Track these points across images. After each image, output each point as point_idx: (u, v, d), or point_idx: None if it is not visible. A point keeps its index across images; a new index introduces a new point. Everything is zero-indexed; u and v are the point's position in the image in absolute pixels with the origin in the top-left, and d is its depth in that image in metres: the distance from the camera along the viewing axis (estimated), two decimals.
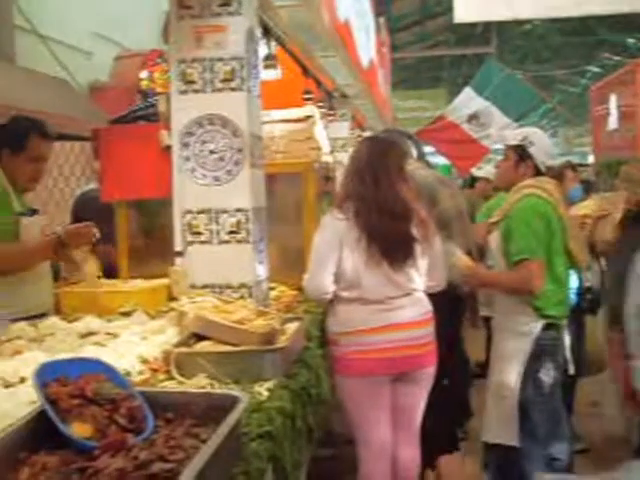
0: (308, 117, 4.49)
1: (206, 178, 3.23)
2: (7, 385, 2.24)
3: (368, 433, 3.49)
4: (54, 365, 1.92)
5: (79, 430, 1.73)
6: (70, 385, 1.84)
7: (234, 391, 2.00)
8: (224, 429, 1.68)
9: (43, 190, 6.93)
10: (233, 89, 3.22)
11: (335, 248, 3.29)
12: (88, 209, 5.30)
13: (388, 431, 3.52)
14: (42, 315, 3.45)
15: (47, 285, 3.77)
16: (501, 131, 9.92)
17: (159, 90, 7.81)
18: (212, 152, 3.22)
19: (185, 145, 3.24)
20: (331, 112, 6.78)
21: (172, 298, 3.37)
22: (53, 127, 4.09)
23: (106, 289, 3.51)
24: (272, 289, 3.59)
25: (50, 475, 1.62)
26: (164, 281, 3.50)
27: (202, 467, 1.48)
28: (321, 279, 3.31)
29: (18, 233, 3.55)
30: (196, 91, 3.24)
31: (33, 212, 3.82)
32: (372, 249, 3.28)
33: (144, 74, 7.96)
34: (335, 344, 3.42)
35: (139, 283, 3.58)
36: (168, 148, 3.36)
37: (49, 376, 1.84)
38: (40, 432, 1.74)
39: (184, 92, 3.25)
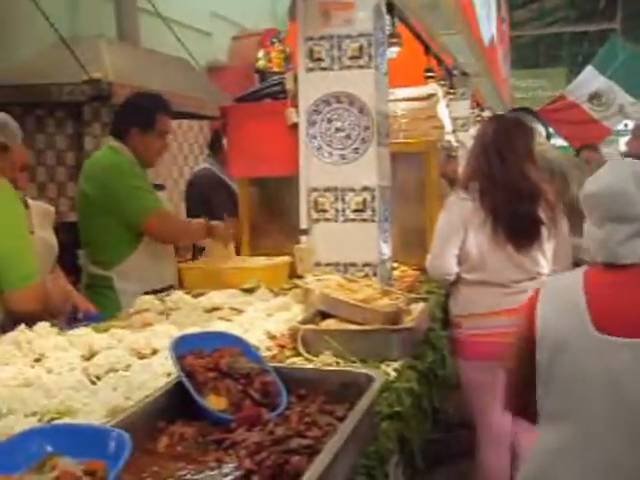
0: (431, 95, 4.42)
1: (332, 156, 3.22)
2: (141, 357, 2.29)
3: (488, 418, 3.43)
4: (189, 338, 1.95)
5: (214, 403, 1.75)
6: (205, 358, 1.86)
7: (369, 369, 1.98)
8: (361, 407, 1.66)
9: (162, 168, 7.09)
10: (361, 66, 3.19)
11: (459, 229, 3.23)
12: (202, 187, 5.42)
13: (509, 418, 3.45)
14: (167, 289, 3.53)
15: (172, 261, 3.87)
16: (624, 111, 9.58)
17: (275, 69, 7.90)
18: (339, 130, 3.20)
19: (312, 123, 3.23)
20: (451, 91, 6.67)
21: (294, 275, 3.39)
22: (175, 106, 4.17)
23: (229, 266, 3.56)
24: (394, 269, 3.55)
25: (187, 445, 1.65)
26: (286, 258, 3.52)
27: (342, 445, 1.47)
28: (445, 260, 3.27)
29: (158, 204, 3.69)
30: (323, 69, 3.23)
31: (157, 187, 3.93)
32: (498, 231, 3.21)
33: (261, 54, 8.07)
34: (457, 326, 3.37)
35: (261, 260, 3.61)
36: (295, 126, 3.36)
37: (185, 349, 1.86)
38: (176, 403, 1.77)
39: (311, 70, 3.24)
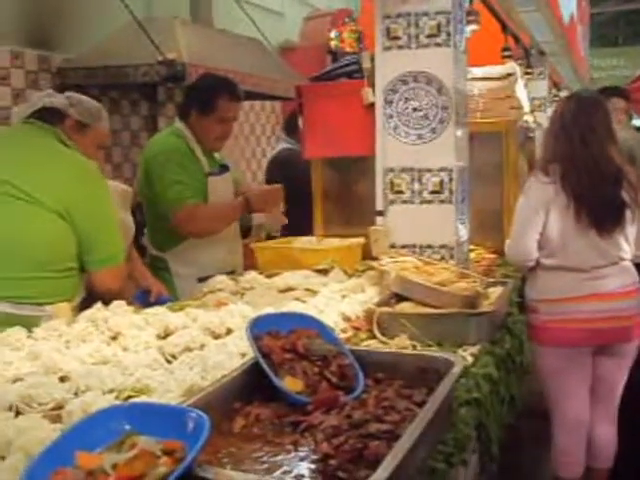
0: (509, 75, 4.31)
1: (409, 136, 3.15)
2: (215, 336, 2.28)
3: (564, 406, 3.35)
4: (266, 318, 1.93)
5: (290, 384, 1.73)
6: (282, 339, 1.84)
7: (447, 354, 1.93)
8: (441, 393, 1.62)
9: (235, 149, 7.12)
10: (439, 45, 3.11)
11: (540, 212, 3.14)
12: (283, 168, 5.41)
13: (585, 406, 3.37)
14: (230, 273, 3.54)
15: (237, 244, 3.88)
16: None
17: (348, 49, 7.84)
18: (416, 110, 3.13)
19: (388, 102, 3.17)
20: (529, 70, 6.51)
21: (368, 257, 3.35)
22: (248, 87, 4.18)
23: (303, 246, 3.54)
24: (470, 251, 3.48)
25: (263, 426, 1.63)
26: (360, 240, 3.48)
27: (421, 431, 1.43)
28: (525, 244, 3.19)
29: (206, 192, 3.65)
30: (400, 47, 3.15)
31: (223, 168, 3.88)
32: (581, 215, 3.11)
33: (333, 34, 8.03)
34: (534, 312, 3.29)
35: (335, 241, 3.58)
36: (371, 105, 3.31)
37: (261, 329, 1.84)
38: (252, 384, 1.75)
39: (388, 48, 3.17)
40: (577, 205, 3.11)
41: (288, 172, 5.16)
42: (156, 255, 3.71)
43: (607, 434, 3.43)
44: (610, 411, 3.42)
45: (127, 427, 1.32)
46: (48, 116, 2.83)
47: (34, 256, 2.69)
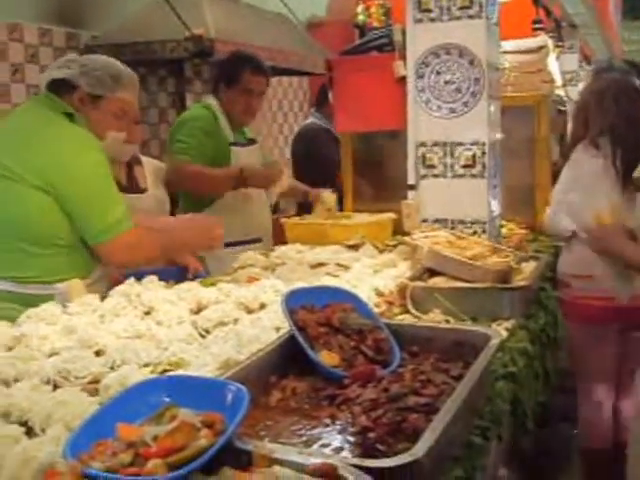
0: (541, 48, 4.25)
1: (441, 110, 3.12)
2: (249, 311, 2.28)
3: (590, 381, 3.35)
4: (301, 292, 1.92)
5: (326, 358, 1.72)
6: (317, 313, 1.83)
7: (484, 328, 1.92)
8: (479, 366, 1.60)
9: (262, 124, 7.10)
10: (471, 17, 3.06)
11: (584, 185, 3.13)
12: (307, 143, 5.40)
13: (612, 382, 3.36)
14: (254, 241, 3.55)
15: (265, 212, 3.95)
16: None
17: (375, 24, 7.77)
18: (448, 83, 3.10)
19: (420, 76, 3.14)
20: (559, 44, 6.41)
21: (398, 232, 3.34)
22: (275, 62, 4.18)
23: (333, 222, 3.53)
24: (501, 227, 3.45)
25: (300, 400, 1.63)
26: (390, 215, 3.47)
27: (460, 404, 1.42)
28: (563, 216, 3.17)
29: (229, 161, 3.78)
30: (432, 20, 3.12)
31: (250, 142, 3.97)
32: (628, 188, 3.08)
33: (360, 8, 7.95)
34: (565, 286, 3.26)
35: (365, 217, 3.57)
36: (402, 79, 3.28)
37: (296, 303, 1.84)
38: (288, 358, 1.75)
39: (419, 21, 3.14)
40: (624, 179, 3.10)
41: (312, 146, 5.18)
42: None
43: (632, 408, 3.41)
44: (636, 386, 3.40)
45: (166, 399, 1.32)
46: (59, 88, 2.71)
47: (24, 235, 2.61)
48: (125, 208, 2.64)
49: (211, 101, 3.90)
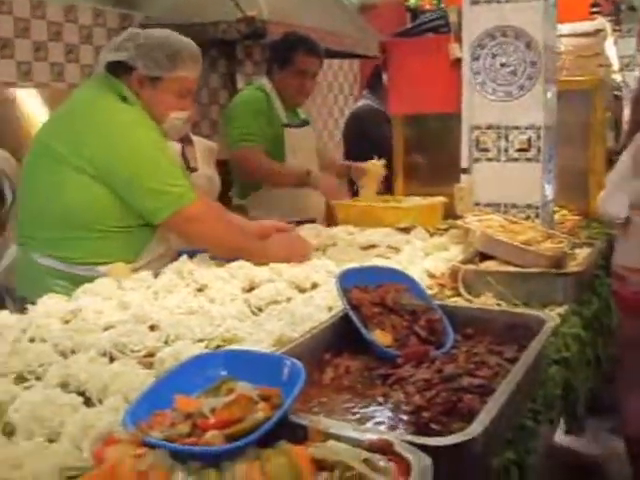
0: (599, 31, 4.17)
1: (496, 93, 3.08)
2: (301, 290, 2.29)
3: (634, 378, 3.29)
4: (355, 272, 1.93)
5: (380, 338, 1.73)
6: (370, 292, 1.83)
7: (539, 312, 1.90)
8: (534, 349, 1.59)
9: (312, 106, 7.09)
10: None
11: None
12: (362, 124, 5.39)
13: None
14: (307, 222, 3.57)
15: (313, 194, 3.95)
16: None
17: (427, 7, 7.70)
18: (504, 65, 3.06)
19: (475, 58, 3.10)
20: (617, 27, 6.28)
21: (448, 216, 3.32)
22: (328, 45, 4.18)
23: (384, 204, 3.52)
24: (554, 212, 3.41)
25: (353, 378, 1.63)
26: (441, 198, 3.46)
27: (515, 387, 1.41)
28: (617, 201, 3.11)
29: (283, 141, 3.85)
30: (488, 1, 3.08)
31: (303, 123, 4.00)
32: None
33: None
34: (621, 280, 3.18)
35: (416, 200, 3.55)
36: (458, 61, 3.25)
37: (350, 282, 1.84)
38: (342, 336, 1.76)
39: (476, 2, 3.10)
40: None
41: (364, 128, 5.17)
42: (237, 204, 3.81)
43: None
44: None
45: (223, 373, 1.34)
46: (117, 69, 2.67)
47: (69, 217, 2.60)
48: (187, 182, 2.64)
49: (264, 82, 3.93)
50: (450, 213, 3.30)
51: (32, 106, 4.44)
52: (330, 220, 3.77)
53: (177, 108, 2.72)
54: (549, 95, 3.10)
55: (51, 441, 1.32)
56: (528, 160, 3.06)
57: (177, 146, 3.28)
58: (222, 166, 3.91)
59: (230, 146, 3.80)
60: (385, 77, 3.80)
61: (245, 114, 3.78)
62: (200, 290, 2.32)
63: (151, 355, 1.76)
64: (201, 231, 2.63)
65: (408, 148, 3.86)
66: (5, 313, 2.08)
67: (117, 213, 2.60)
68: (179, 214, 2.56)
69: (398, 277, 1.93)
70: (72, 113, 2.68)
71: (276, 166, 3.79)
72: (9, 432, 1.38)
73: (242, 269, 2.45)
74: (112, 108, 2.62)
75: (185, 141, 3.49)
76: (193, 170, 3.41)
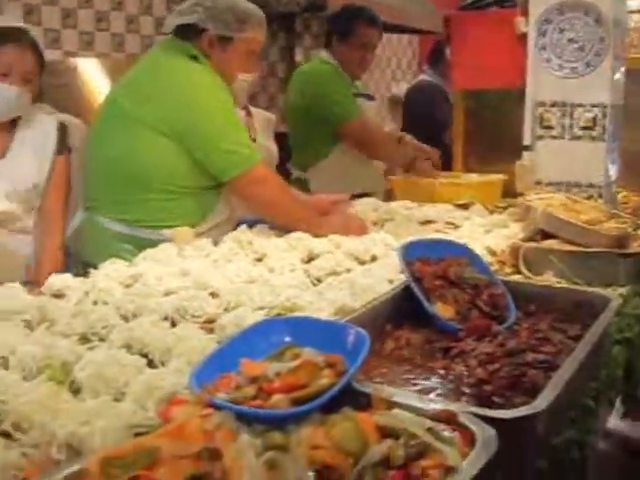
0: None
1: (563, 69, 3.03)
2: (361, 262, 2.29)
3: None
4: (417, 244, 1.91)
5: (441, 311, 1.71)
6: (433, 265, 1.82)
7: (603, 290, 1.88)
8: (598, 327, 1.57)
9: (370, 82, 7.05)
10: None
11: None
12: (422, 100, 5.36)
13: None
14: (366, 195, 3.56)
15: (374, 168, 3.95)
16: None
17: None
18: (571, 41, 3.00)
19: (542, 33, 3.04)
20: None
21: (508, 194, 3.28)
22: (388, 19, 4.15)
23: (444, 180, 3.50)
24: (616, 192, 3.35)
25: (413, 350, 1.62)
26: (500, 176, 3.42)
27: (579, 364, 1.40)
28: None
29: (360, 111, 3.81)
30: None
31: (368, 97, 4.00)
32: None
33: None
34: None
35: (475, 177, 3.52)
36: (523, 36, 3.20)
37: (412, 254, 1.83)
38: (403, 308, 1.75)
39: None
40: None
41: (424, 103, 5.13)
42: (298, 177, 3.82)
43: None
44: None
45: (287, 339, 1.34)
46: (185, 33, 2.73)
47: (139, 177, 2.65)
48: (252, 144, 2.68)
49: (325, 55, 3.91)
50: (509, 191, 3.26)
51: (93, 75, 4.49)
52: (389, 195, 3.75)
53: (244, 70, 2.80)
54: (617, 73, 3.04)
55: (116, 400, 1.35)
56: (592, 139, 3.00)
57: (241, 113, 3.28)
58: (280, 138, 3.91)
59: (340, 118, 3.74)
60: (448, 52, 3.75)
61: (340, 85, 3.78)
62: (259, 260, 2.33)
63: (211, 321, 1.78)
64: (264, 195, 2.67)
65: (469, 124, 3.82)
66: (68, 276, 2.11)
67: (187, 173, 2.66)
68: (245, 176, 2.62)
69: (460, 251, 1.91)
70: (146, 74, 2.75)
71: (385, 138, 3.79)
72: (75, 390, 1.41)
73: (301, 240, 2.45)
74: (185, 68, 2.68)
75: (244, 112, 3.49)
76: (252, 141, 3.41)
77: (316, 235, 2.50)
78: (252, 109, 3.60)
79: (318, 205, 2.85)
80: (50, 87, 3.17)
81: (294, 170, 3.99)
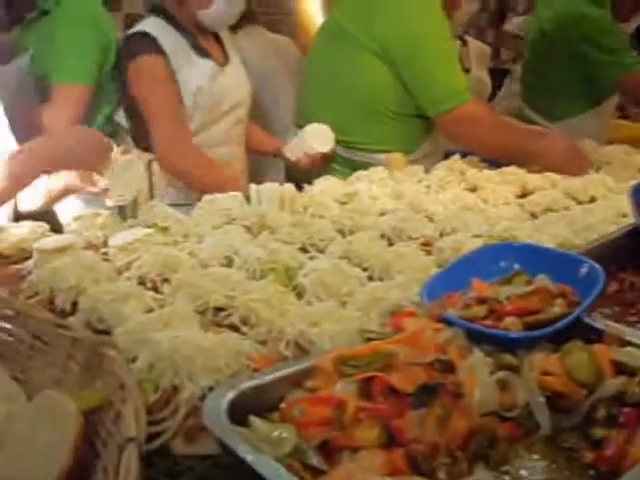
0: None
1: None
2: (579, 202, 2.20)
3: None
4: None
5: None
6: None
7: None
8: None
9: None
10: None
11: None
12: None
13: None
14: None
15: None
16: None
17: None
18: None
19: None
20: None
21: None
22: None
23: None
24: None
25: (637, 294, 1.57)
26: None
27: None
28: None
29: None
30: None
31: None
32: None
33: None
34: None
35: None
36: None
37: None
38: (628, 251, 1.68)
39: None
40: None
41: None
42: None
43: None
44: None
45: (516, 266, 1.33)
46: None
47: (355, 98, 2.66)
48: (466, 80, 2.62)
49: None
50: None
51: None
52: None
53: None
54: None
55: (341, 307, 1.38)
56: None
57: (456, 44, 3.22)
58: (494, 73, 3.80)
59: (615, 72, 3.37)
60: None
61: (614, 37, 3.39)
62: (472, 190, 2.30)
63: (428, 244, 1.78)
64: (472, 134, 2.61)
65: None
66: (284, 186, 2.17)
67: (397, 97, 2.64)
68: (452, 113, 2.56)
69: None
70: None
71: None
72: (298, 293, 1.46)
73: (515, 175, 2.40)
74: None
75: (459, 41, 3.43)
76: (466, 71, 3.35)
77: (531, 171, 2.43)
78: (468, 39, 3.53)
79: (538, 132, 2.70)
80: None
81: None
